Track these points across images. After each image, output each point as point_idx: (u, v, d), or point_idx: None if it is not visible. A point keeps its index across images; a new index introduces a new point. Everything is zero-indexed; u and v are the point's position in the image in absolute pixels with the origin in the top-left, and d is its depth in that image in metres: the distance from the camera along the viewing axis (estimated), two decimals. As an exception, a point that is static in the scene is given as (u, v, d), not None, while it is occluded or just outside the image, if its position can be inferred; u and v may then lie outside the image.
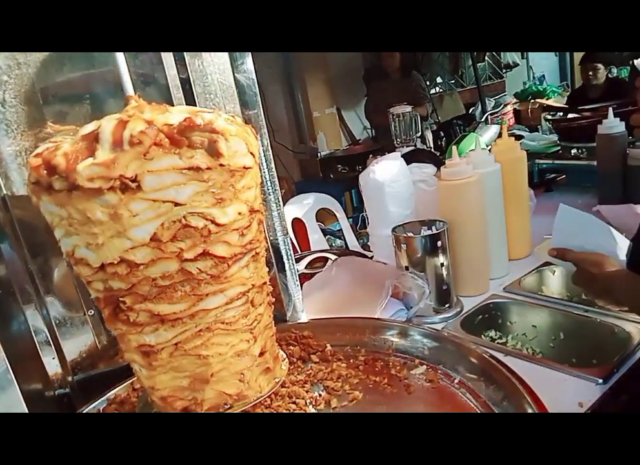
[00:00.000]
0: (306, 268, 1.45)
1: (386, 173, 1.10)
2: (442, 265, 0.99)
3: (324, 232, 2.17)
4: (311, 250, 1.79)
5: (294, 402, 0.71)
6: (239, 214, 0.54)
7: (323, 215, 2.18)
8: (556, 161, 1.95)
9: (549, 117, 2.29)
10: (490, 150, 1.23)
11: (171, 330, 0.53)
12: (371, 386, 0.73)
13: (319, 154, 4.19)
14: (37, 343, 0.74)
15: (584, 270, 0.80)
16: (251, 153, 0.56)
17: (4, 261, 0.71)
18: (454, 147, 1.09)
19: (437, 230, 1.01)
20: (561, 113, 2.27)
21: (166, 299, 0.51)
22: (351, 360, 0.80)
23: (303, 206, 2.09)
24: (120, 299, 0.51)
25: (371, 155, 2.95)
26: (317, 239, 2.07)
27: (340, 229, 2.10)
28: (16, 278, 0.73)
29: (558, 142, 1.98)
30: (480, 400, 0.65)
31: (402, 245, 0.99)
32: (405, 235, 0.99)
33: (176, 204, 0.49)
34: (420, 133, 2.79)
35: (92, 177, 0.46)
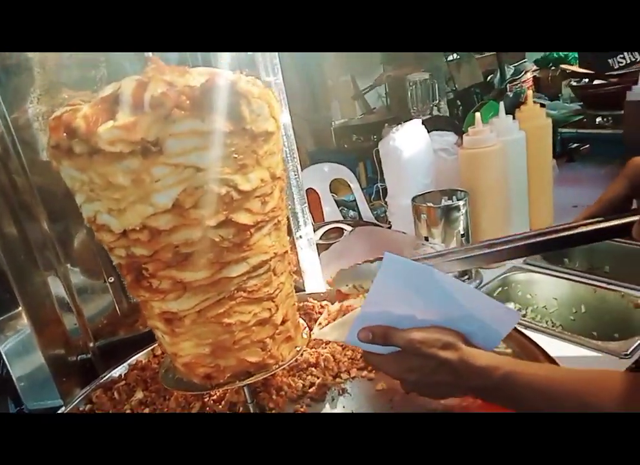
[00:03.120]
0: (320, 239, 1.44)
1: (407, 140, 1.07)
2: (462, 235, 0.97)
3: (337, 203, 2.15)
4: (325, 221, 1.77)
5: (312, 374, 0.71)
6: (262, 180, 0.53)
7: (336, 185, 2.15)
8: (579, 130, 1.89)
9: (574, 83, 2.20)
10: (513, 117, 1.19)
11: (194, 297, 0.52)
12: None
13: (332, 123, 4.11)
14: (58, 309, 0.75)
15: (423, 357, 0.51)
16: (274, 117, 0.54)
17: (24, 227, 0.71)
18: (477, 114, 1.05)
19: (457, 200, 0.98)
20: (587, 80, 2.19)
21: (188, 267, 0.51)
22: (370, 330, 0.80)
23: (317, 175, 2.06)
24: (143, 266, 0.51)
25: (386, 125, 2.88)
26: (330, 211, 2.05)
27: (354, 200, 2.07)
28: (37, 245, 0.73)
29: (580, 111, 1.91)
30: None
31: (422, 215, 0.97)
32: (425, 205, 0.97)
33: (198, 169, 0.48)
34: (437, 101, 2.71)
35: (113, 140, 0.45)
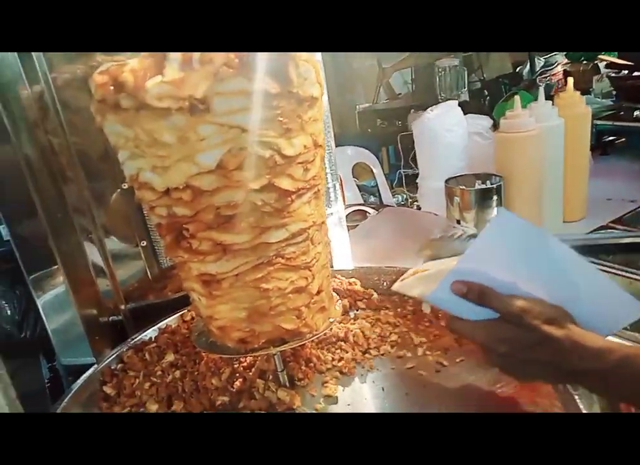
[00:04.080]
0: (343, 221, 1.43)
1: (442, 121, 1.05)
2: (495, 220, 0.95)
3: (359, 188, 2.13)
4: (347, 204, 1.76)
5: (341, 348, 0.71)
6: (305, 147, 0.52)
7: (358, 170, 2.13)
8: (615, 123, 1.83)
9: (612, 75, 2.13)
10: (552, 103, 1.15)
11: (233, 261, 0.52)
12: (422, 336, 0.72)
13: (357, 107, 4.06)
14: (92, 271, 0.76)
15: (523, 329, 0.46)
16: (319, 83, 0.53)
17: (61, 189, 0.72)
18: (517, 96, 1.02)
19: (492, 184, 0.96)
20: (626, 71, 2.11)
21: (229, 229, 0.50)
22: (399, 309, 0.80)
23: (340, 158, 2.05)
24: (184, 226, 0.51)
25: (412, 110, 2.84)
26: (352, 196, 2.04)
27: (375, 186, 2.05)
28: (73, 207, 0.73)
29: (613, 106, 1.85)
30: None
31: (454, 197, 0.95)
32: (459, 187, 0.96)
33: (243, 130, 0.47)
34: (466, 88, 2.65)
35: (161, 95, 0.45)
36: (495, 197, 0.94)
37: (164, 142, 0.47)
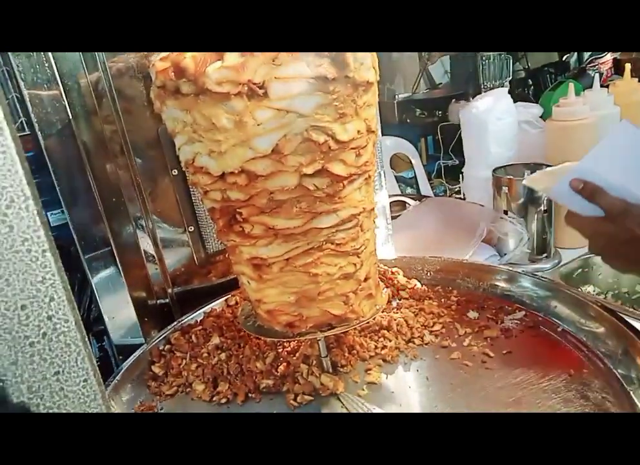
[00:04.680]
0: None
1: (491, 110, 1.02)
2: (545, 212, 0.92)
3: (396, 179, 2.10)
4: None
5: (384, 336, 0.71)
6: (358, 132, 0.52)
7: (395, 161, 2.10)
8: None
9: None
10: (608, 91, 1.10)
11: (284, 245, 0.53)
12: (467, 327, 0.71)
13: (396, 96, 4.00)
14: (142, 254, 0.78)
15: (621, 228, 0.53)
16: (374, 68, 0.53)
17: (116, 174, 0.74)
18: (571, 84, 0.98)
19: (542, 174, 0.93)
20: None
21: (281, 214, 0.51)
22: (443, 300, 0.79)
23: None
24: (237, 210, 0.52)
25: (453, 100, 2.77)
26: (389, 187, 2.01)
27: (413, 177, 2.02)
28: (126, 192, 0.76)
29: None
30: (588, 350, 0.62)
31: (503, 187, 0.93)
32: (508, 177, 0.93)
33: (299, 115, 0.47)
34: (510, 77, 2.57)
35: (221, 80, 0.45)
36: (544, 188, 0.91)
37: (221, 126, 0.47)
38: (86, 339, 0.25)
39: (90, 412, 0.26)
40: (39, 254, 0.23)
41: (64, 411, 0.25)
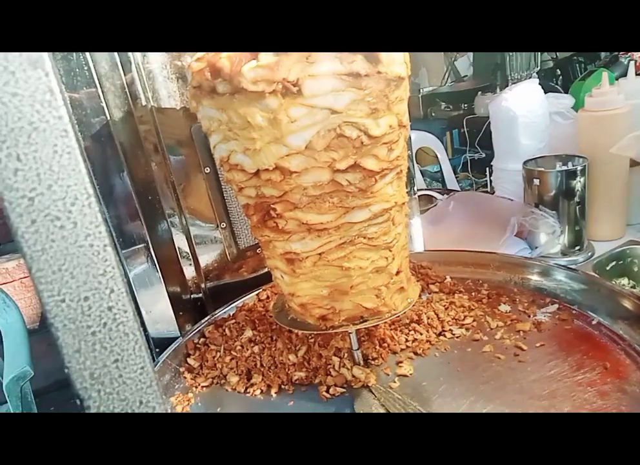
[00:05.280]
0: (409, 205, 1.41)
1: (521, 101, 1.00)
2: (577, 204, 0.91)
3: (421, 174, 2.08)
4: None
5: (415, 329, 0.72)
6: (390, 127, 0.52)
7: (420, 155, 2.08)
8: None
9: None
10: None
11: (317, 240, 0.53)
12: (498, 320, 0.71)
13: (420, 90, 3.96)
14: (176, 250, 0.80)
15: None
16: (406, 62, 0.53)
17: (151, 172, 0.77)
18: (605, 73, 0.96)
19: (574, 166, 0.92)
20: None
21: (315, 209, 0.52)
22: (473, 293, 0.79)
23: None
24: (271, 206, 0.53)
25: (480, 93, 2.73)
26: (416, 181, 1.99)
27: (438, 171, 2.01)
28: (161, 190, 0.78)
29: None
30: (625, 343, 0.61)
31: (534, 180, 0.92)
32: (539, 169, 0.92)
33: (333, 112, 0.48)
34: (538, 67, 2.51)
35: (256, 79, 0.46)
36: (578, 180, 0.89)
37: (256, 124, 0.48)
38: (142, 329, 0.27)
39: (145, 399, 0.27)
40: (100, 248, 0.24)
41: (123, 397, 0.27)
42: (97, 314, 0.25)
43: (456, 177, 2.01)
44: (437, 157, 1.99)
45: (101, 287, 0.25)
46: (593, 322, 0.66)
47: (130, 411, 0.26)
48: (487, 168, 1.60)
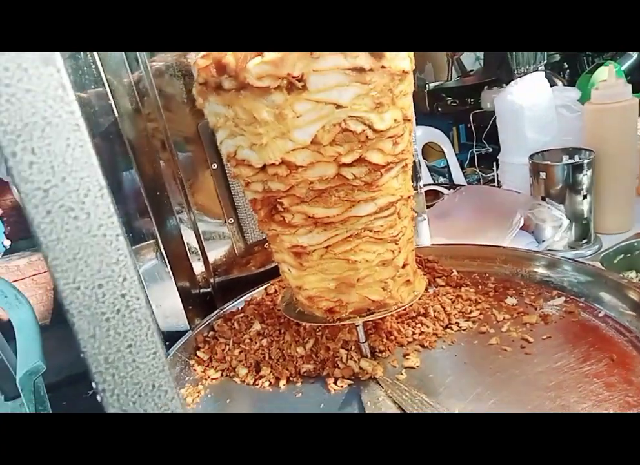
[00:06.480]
0: (416, 200, 1.41)
1: (526, 95, 1.00)
2: (584, 197, 0.91)
3: (428, 169, 2.08)
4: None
5: (421, 322, 0.72)
6: (395, 121, 0.53)
7: (427, 150, 2.08)
8: None
9: None
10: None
11: (323, 233, 0.54)
12: (505, 313, 0.71)
13: (426, 85, 3.94)
14: (185, 245, 0.81)
15: None
16: (410, 57, 0.53)
17: (159, 169, 0.78)
18: (611, 65, 0.96)
19: (581, 159, 0.91)
20: None
21: (321, 203, 0.53)
22: (480, 287, 0.79)
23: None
24: (278, 200, 0.54)
25: (486, 87, 2.72)
26: (422, 176, 1.98)
27: (445, 166, 2.00)
28: (170, 186, 0.79)
29: None
30: (631, 334, 0.61)
31: (540, 173, 0.92)
32: (545, 163, 0.92)
33: (337, 106, 0.49)
34: (545, 61, 2.50)
35: (261, 75, 0.47)
36: (585, 173, 0.89)
37: (262, 120, 0.49)
38: (154, 316, 0.28)
39: (158, 382, 0.28)
40: (113, 238, 0.25)
41: (136, 381, 0.27)
42: (111, 301, 0.26)
43: (463, 173, 2.00)
44: (443, 152, 1.99)
45: (114, 275, 0.26)
46: (600, 314, 0.66)
47: (142, 394, 0.27)
48: (494, 163, 1.59)
